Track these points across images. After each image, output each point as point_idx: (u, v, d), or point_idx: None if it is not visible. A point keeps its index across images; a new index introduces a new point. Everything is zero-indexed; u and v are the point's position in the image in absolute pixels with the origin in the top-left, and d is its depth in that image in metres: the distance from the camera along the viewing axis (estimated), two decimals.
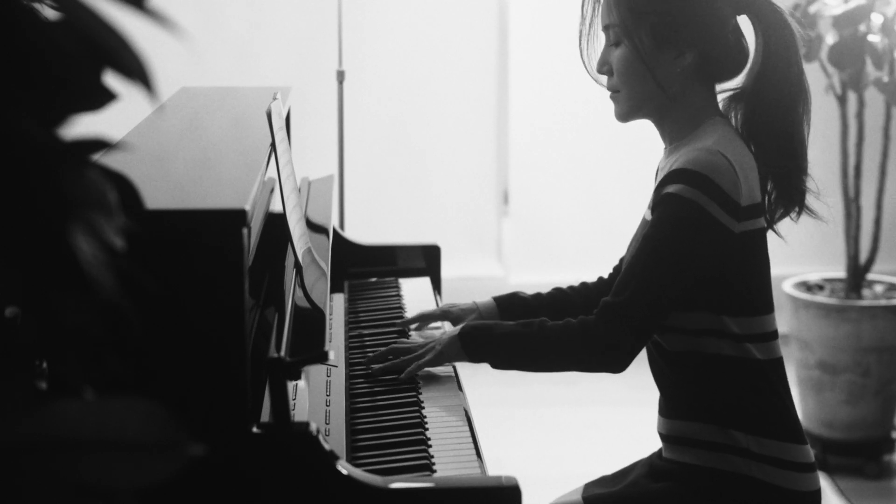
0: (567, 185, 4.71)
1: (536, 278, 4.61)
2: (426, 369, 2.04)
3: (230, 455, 1.56)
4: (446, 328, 2.27)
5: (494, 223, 4.78)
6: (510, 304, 2.21)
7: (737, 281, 1.88)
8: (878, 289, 3.79)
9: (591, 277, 2.24)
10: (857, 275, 3.75)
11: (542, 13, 4.61)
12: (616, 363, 1.85)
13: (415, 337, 2.23)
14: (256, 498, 1.58)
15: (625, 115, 1.96)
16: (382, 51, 4.58)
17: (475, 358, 1.96)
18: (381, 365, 2.05)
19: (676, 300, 1.86)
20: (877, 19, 3.55)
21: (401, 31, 4.59)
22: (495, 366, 1.96)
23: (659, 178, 1.95)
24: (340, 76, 3.61)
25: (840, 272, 3.95)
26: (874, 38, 3.53)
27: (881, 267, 4.27)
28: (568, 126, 4.66)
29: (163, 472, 0.81)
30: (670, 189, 1.85)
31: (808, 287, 3.81)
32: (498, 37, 4.70)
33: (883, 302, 3.64)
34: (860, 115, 3.78)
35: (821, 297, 3.70)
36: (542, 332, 1.89)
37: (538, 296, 2.21)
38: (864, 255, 3.84)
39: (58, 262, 0.82)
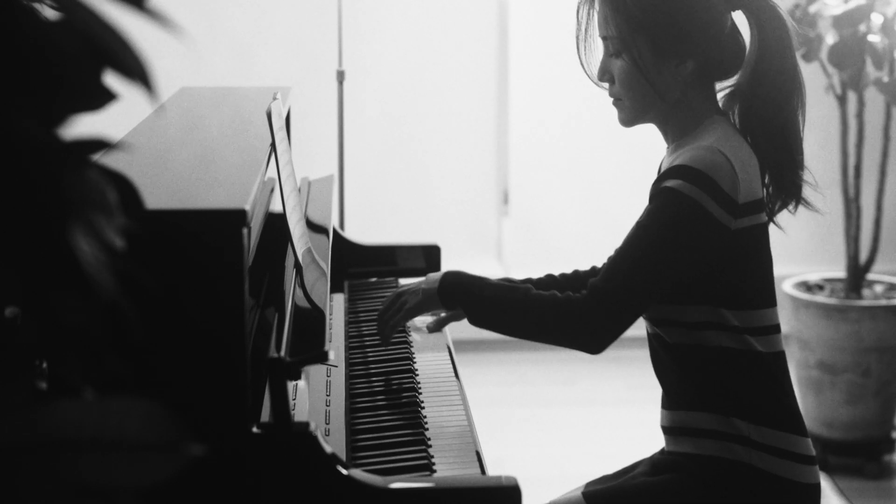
0: (567, 185, 4.71)
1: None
2: (417, 331, 2.05)
3: (230, 455, 1.56)
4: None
5: (494, 223, 4.79)
6: None
7: (735, 275, 1.90)
8: (878, 289, 3.79)
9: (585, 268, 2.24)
10: (857, 275, 3.75)
11: (542, 13, 4.61)
12: (596, 346, 1.87)
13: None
14: (256, 498, 1.58)
15: (629, 121, 1.99)
16: (382, 51, 4.58)
17: (452, 306, 1.97)
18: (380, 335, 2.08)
19: (665, 291, 1.87)
20: (877, 19, 3.55)
21: (401, 31, 4.59)
22: (472, 321, 1.96)
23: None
24: (340, 76, 3.61)
25: (840, 272, 3.95)
26: (874, 38, 3.53)
27: (881, 267, 4.27)
28: (568, 126, 4.66)
29: (163, 472, 0.81)
30: (669, 184, 1.86)
31: (808, 287, 3.81)
32: (498, 37, 4.70)
33: (883, 302, 3.64)
34: (860, 115, 3.78)
35: (821, 297, 3.70)
36: (527, 298, 1.90)
37: (528, 280, 2.21)
38: (864, 255, 3.84)
39: (58, 262, 0.82)
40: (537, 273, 2.22)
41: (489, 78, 4.69)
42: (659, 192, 1.87)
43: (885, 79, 3.57)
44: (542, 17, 4.61)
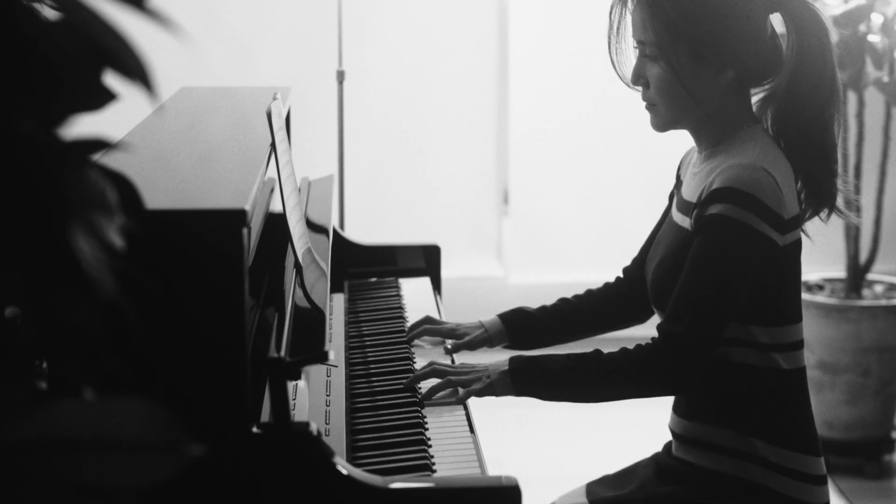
0: (567, 185, 4.71)
1: (536, 278, 4.61)
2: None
3: (230, 455, 1.56)
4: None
5: (494, 223, 4.78)
6: (516, 321, 2.17)
7: (772, 291, 1.86)
8: (878, 289, 3.79)
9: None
10: (857, 275, 3.75)
11: (542, 13, 4.61)
12: (684, 387, 1.86)
13: (457, 361, 2.14)
14: (256, 498, 1.58)
15: (662, 127, 1.93)
16: (382, 51, 4.58)
17: (525, 393, 1.91)
18: (436, 390, 1.97)
19: (733, 316, 1.84)
20: (877, 19, 3.55)
21: (401, 31, 4.59)
22: (546, 399, 1.91)
23: (690, 182, 1.92)
24: (340, 76, 3.61)
25: (840, 272, 3.95)
26: (874, 38, 3.53)
27: (881, 267, 4.26)
28: (568, 126, 4.66)
29: (163, 472, 0.81)
30: (715, 210, 1.81)
31: (808, 287, 3.81)
32: (498, 37, 4.70)
33: (883, 302, 3.64)
34: (860, 115, 3.78)
35: (821, 297, 3.70)
36: (599, 365, 1.85)
37: (543, 308, 2.17)
38: (864, 255, 3.84)
39: (58, 262, 0.82)
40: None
41: (489, 78, 4.69)
42: (708, 222, 1.82)
43: (885, 79, 3.57)
44: (543, 18, 4.60)
